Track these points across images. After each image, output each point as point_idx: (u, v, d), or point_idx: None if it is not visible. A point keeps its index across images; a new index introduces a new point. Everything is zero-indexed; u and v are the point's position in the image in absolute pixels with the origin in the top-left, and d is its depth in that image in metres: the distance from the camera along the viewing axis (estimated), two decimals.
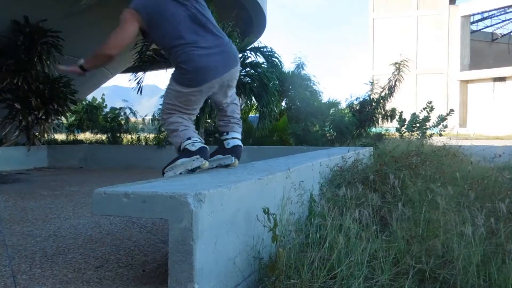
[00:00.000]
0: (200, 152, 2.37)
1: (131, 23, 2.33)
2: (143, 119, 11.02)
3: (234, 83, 2.57)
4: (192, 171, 2.37)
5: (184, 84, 2.37)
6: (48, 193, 4.71)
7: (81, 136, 10.72)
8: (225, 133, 2.64)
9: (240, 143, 2.65)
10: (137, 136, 9.66)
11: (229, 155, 2.59)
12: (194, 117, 2.59)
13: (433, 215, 2.26)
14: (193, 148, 2.36)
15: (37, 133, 7.52)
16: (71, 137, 10.24)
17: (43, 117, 7.37)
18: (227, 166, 2.61)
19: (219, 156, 2.61)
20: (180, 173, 2.34)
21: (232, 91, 2.64)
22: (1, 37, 7.08)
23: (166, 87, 2.52)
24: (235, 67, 2.49)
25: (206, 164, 2.41)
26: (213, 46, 2.38)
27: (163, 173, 2.39)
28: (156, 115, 9.27)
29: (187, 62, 2.32)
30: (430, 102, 7.69)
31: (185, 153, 2.38)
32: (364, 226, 2.10)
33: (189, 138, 2.40)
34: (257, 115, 8.35)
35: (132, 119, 10.21)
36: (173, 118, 2.46)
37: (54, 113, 7.61)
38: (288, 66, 11.13)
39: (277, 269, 1.71)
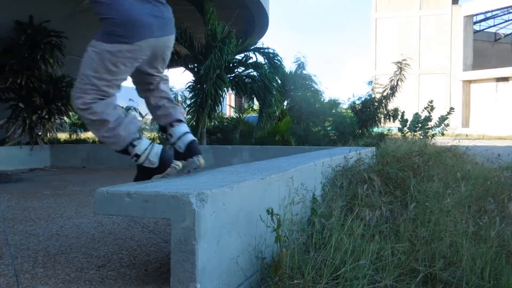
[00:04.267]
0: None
1: None
2: (143, 118, 11.06)
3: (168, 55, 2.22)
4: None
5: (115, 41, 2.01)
6: (51, 192, 4.72)
7: (83, 135, 10.77)
8: (172, 128, 2.31)
9: (192, 137, 2.33)
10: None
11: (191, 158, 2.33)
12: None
13: (437, 216, 2.25)
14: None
15: (40, 133, 7.54)
16: (74, 136, 10.28)
17: (46, 116, 7.39)
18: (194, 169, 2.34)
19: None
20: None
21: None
22: (5, 37, 7.10)
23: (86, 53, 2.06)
24: (171, 34, 2.17)
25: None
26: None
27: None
28: None
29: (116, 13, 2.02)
30: (431, 102, 7.67)
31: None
32: (367, 227, 2.09)
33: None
34: (256, 115, 8.37)
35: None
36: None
37: (58, 113, 7.63)
38: (289, 66, 11.10)
39: (280, 269, 1.70)
